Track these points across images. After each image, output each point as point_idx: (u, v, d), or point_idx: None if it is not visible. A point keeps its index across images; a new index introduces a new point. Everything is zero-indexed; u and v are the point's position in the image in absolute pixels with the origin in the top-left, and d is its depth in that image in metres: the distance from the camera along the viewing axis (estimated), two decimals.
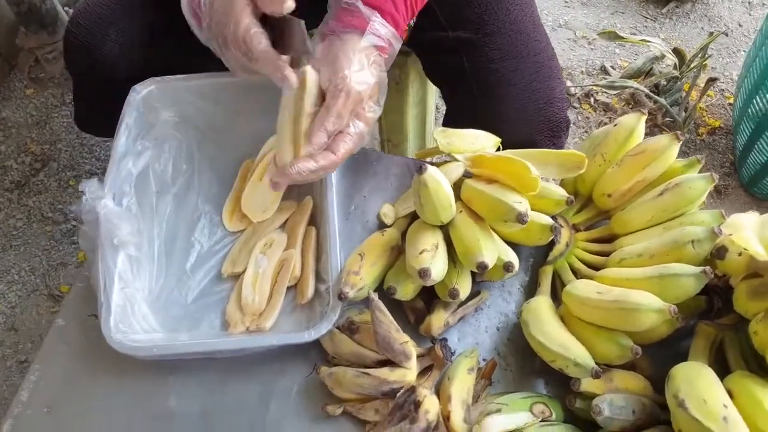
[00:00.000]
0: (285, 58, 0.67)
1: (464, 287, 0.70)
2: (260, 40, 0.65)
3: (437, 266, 0.66)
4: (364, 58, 0.67)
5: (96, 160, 1.63)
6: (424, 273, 0.65)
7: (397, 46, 0.71)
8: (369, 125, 0.69)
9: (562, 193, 0.73)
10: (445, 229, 0.71)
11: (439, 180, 0.67)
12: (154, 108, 0.82)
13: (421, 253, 0.67)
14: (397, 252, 0.74)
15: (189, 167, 0.83)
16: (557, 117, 0.88)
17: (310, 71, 0.66)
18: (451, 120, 0.94)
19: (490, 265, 0.66)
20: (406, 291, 0.70)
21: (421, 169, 0.66)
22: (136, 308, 0.69)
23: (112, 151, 0.75)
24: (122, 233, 0.68)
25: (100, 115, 0.91)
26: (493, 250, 0.68)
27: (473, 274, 0.73)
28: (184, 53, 0.80)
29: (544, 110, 0.87)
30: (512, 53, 0.85)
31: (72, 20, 0.86)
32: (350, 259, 0.71)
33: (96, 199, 0.69)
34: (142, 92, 0.80)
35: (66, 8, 1.67)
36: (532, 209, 0.69)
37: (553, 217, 0.76)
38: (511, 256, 0.70)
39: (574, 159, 0.74)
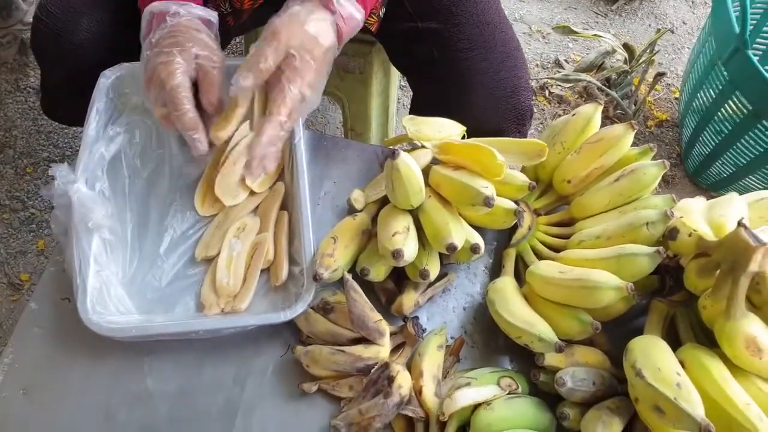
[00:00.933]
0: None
1: (434, 268, 0.72)
2: (186, 103, 0.68)
3: (409, 247, 0.69)
4: (320, 22, 0.69)
5: (54, 147, 1.59)
6: (397, 254, 0.67)
7: (360, 19, 0.73)
8: (312, 88, 0.69)
9: (524, 179, 0.76)
10: (415, 213, 0.74)
11: (410, 165, 0.70)
12: (124, 93, 0.82)
13: (393, 235, 0.69)
14: (368, 236, 0.76)
15: (160, 153, 0.83)
16: (523, 105, 0.91)
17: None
18: (420, 108, 0.96)
19: (459, 247, 0.69)
20: (378, 272, 0.72)
21: (394, 155, 0.68)
22: (111, 291, 0.69)
23: (84, 136, 0.74)
24: (96, 216, 0.68)
25: (69, 104, 0.90)
26: (461, 233, 0.71)
27: (441, 256, 0.76)
28: None
29: (511, 98, 0.90)
30: (480, 43, 0.88)
31: (41, 7, 0.84)
32: (324, 243, 0.73)
33: (68, 184, 0.68)
34: (111, 77, 0.80)
35: None
36: (496, 195, 0.72)
37: (516, 203, 0.80)
38: (478, 239, 0.74)
39: (536, 147, 0.78)
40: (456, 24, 0.88)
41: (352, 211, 0.81)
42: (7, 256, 1.45)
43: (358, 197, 0.81)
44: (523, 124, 0.92)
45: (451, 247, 0.69)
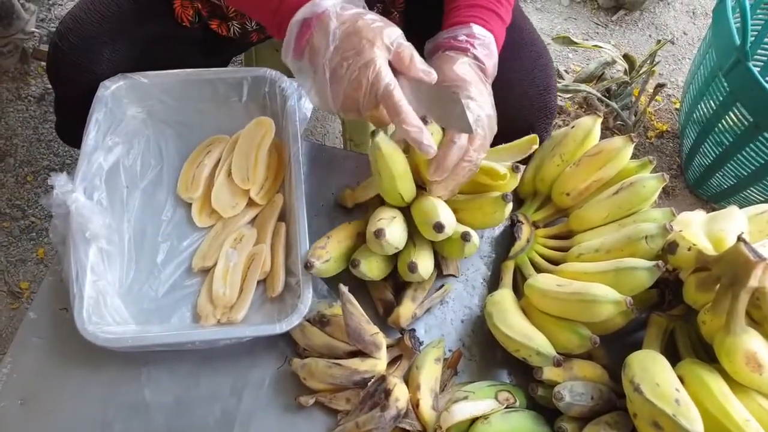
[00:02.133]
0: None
1: (422, 263, 0.71)
2: (403, 102, 0.64)
3: (393, 231, 0.69)
4: (482, 86, 0.71)
5: (54, 156, 1.59)
6: (378, 233, 0.67)
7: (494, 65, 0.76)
8: (485, 154, 0.71)
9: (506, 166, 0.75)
10: (408, 212, 0.74)
11: (392, 144, 0.69)
12: (123, 104, 0.82)
13: (379, 220, 0.70)
14: (364, 238, 0.75)
15: (158, 162, 0.83)
16: (553, 103, 0.91)
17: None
18: None
19: (447, 228, 0.69)
20: (370, 266, 0.71)
21: (373, 134, 0.68)
22: (108, 300, 0.69)
23: (83, 146, 0.75)
24: (94, 226, 0.68)
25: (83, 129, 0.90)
26: (450, 216, 0.70)
27: (438, 267, 0.76)
28: (172, 66, 0.82)
29: (544, 96, 0.90)
30: (511, 44, 0.87)
31: (61, 36, 0.83)
32: (318, 240, 0.73)
33: (66, 193, 0.69)
34: (110, 88, 0.80)
35: (22, 1, 1.63)
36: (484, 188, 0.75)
37: (515, 215, 0.79)
38: (469, 230, 0.72)
39: (525, 142, 0.78)
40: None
41: (350, 217, 0.81)
42: (7, 264, 1.45)
43: (347, 194, 0.81)
44: (550, 121, 0.92)
45: (438, 226, 0.68)
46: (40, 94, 1.69)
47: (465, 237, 0.71)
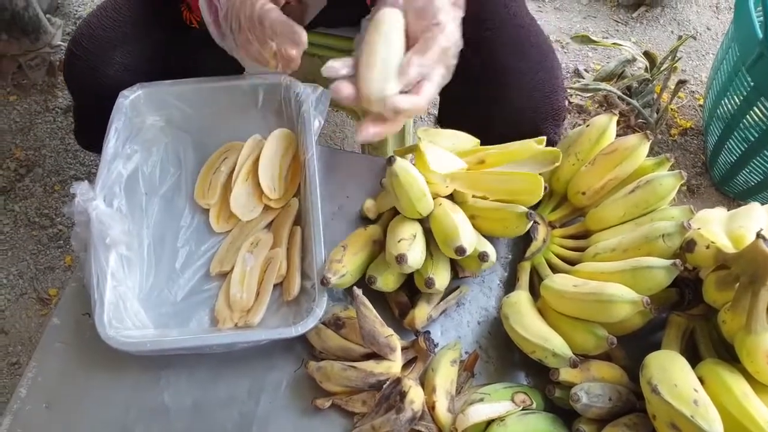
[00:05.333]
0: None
1: (440, 278, 0.72)
2: (274, 12, 0.67)
3: (414, 253, 0.69)
4: (450, 8, 0.66)
5: (80, 165, 1.63)
6: (400, 258, 0.67)
7: None
8: (449, 75, 0.68)
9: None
10: (426, 224, 0.74)
11: (408, 170, 0.70)
12: (141, 112, 0.84)
13: (399, 241, 0.70)
14: (380, 246, 0.76)
15: (176, 170, 0.85)
16: (560, 105, 0.90)
17: (392, 11, 0.65)
18: (450, 109, 0.96)
19: (468, 249, 0.69)
20: (386, 281, 0.72)
21: (390, 161, 0.69)
22: (128, 305, 0.70)
23: (102, 154, 0.76)
24: (114, 233, 0.70)
25: (102, 134, 0.92)
26: (471, 236, 0.71)
27: (455, 268, 0.76)
28: (185, 69, 0.83)
29: (550, 99, 0.89)
30: (517, 46, 0.87)
31: (75, 43, 0.86)
32: (334, 250, 0.73)
33: (87, 201, 0.70)
34: (129, 97, 0.81)
35: (48, 15, 1.67)
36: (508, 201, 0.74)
37: (531, 215, 0.79)
38: (487, 247, 0.73)
39: (549, 155, 0.77)
40: (489, 28, 0.88)
41: (365, 221, 0.82)
42: (36, 272, 1.48)
43: (370, 207, 0.82)
44: (559, 124, 0.91)
45: (460, 250, 0.68)
46: (67, 106, 1.73)
47: (482, 258, 0.71)
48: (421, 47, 0.64)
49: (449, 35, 0.65)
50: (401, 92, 0.64)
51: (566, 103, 0.93)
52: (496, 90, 0.89)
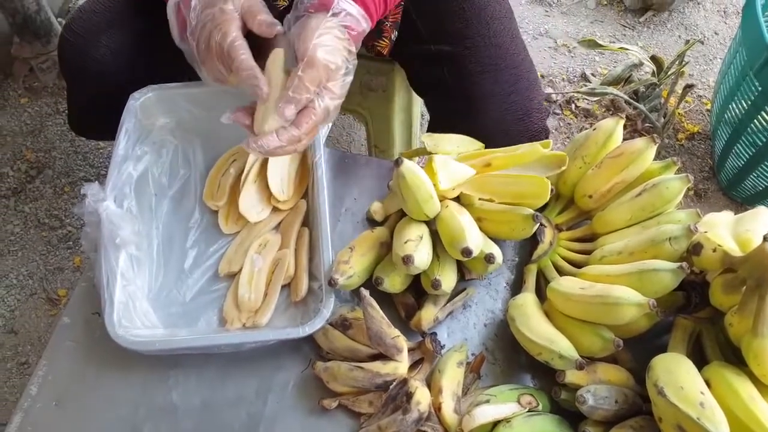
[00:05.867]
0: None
1: (446, 279, 0.72)
2: (243, 51, 0.66)
3: (420, 254, 0.70)
4: (334, 38, 0.66)
5: (90, 167, 1.64)
6: (407, 259, 0.68)
7: (366, 27, 0.70)
8: (335, 100, 0.68)
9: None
10: (433, 225, 0.75)
11: (415, 171, 0.71)
12: (152, 114, 0.85)
13: (406, 242, 0.70)
14: (387, 248, 0.76)
15: (186, 171, 0.86)
16: (535, 127, 0.91)
17: (278, 50, 0.68)
18: (434, 129, 0.97)
19: (475, 251, 0.69)
20: (393, 282, 0.73)
21: (397, 162, 0.69)
22: (137, 305, 0.71)
23: (113, 155, 0.77)
24: (124, 233, 0.70)
25: (91, 118, 0.95)
26: (477, 237, 0.71)
27: (461, 269, 0.76)
28: (173, 59, 0.83)
29: (523, 121, 0.90)
30: (491, 66, 0.88)
31: (66, 27, 0.90)
32: (341, 252, 0.74)
33: (98, 201, 0.71)
34: (140, 99, 0.82)
35: (59, 19, 1.69)
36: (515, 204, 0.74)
37: (537, 217, 0.79)
38: (493, 249, 0.73)
39: (556, 159, 0.78)
40: (468, 47, 0.89)
41: (372, 223, 0.82)
42: (46, 272, 1.50)
43: (377, 209, 0.82)
44: None
45: (466, 251, 0.69)
46: (67, 102, 1.74)
47: (489, 259, 0.72)
48: (291, 77, 0.65)
49: (324, 55, 0.65)
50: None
51: (544, 124, 0.93)
52: (469, 112, 0.90)
